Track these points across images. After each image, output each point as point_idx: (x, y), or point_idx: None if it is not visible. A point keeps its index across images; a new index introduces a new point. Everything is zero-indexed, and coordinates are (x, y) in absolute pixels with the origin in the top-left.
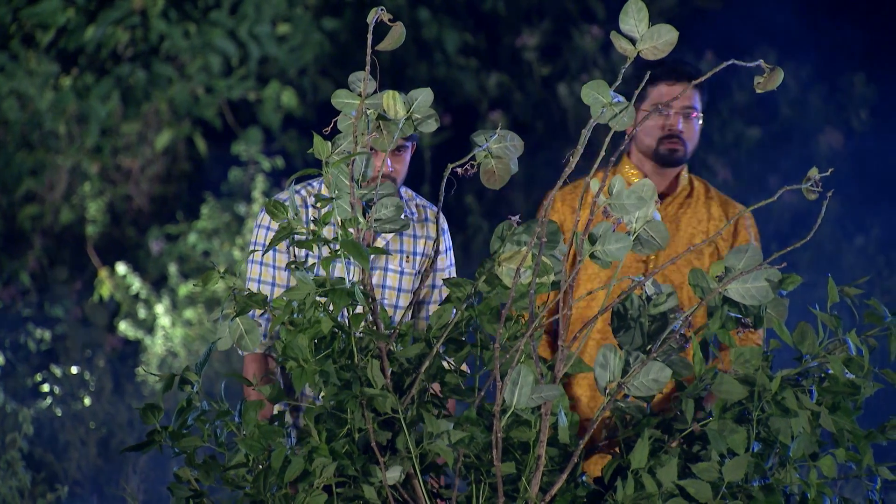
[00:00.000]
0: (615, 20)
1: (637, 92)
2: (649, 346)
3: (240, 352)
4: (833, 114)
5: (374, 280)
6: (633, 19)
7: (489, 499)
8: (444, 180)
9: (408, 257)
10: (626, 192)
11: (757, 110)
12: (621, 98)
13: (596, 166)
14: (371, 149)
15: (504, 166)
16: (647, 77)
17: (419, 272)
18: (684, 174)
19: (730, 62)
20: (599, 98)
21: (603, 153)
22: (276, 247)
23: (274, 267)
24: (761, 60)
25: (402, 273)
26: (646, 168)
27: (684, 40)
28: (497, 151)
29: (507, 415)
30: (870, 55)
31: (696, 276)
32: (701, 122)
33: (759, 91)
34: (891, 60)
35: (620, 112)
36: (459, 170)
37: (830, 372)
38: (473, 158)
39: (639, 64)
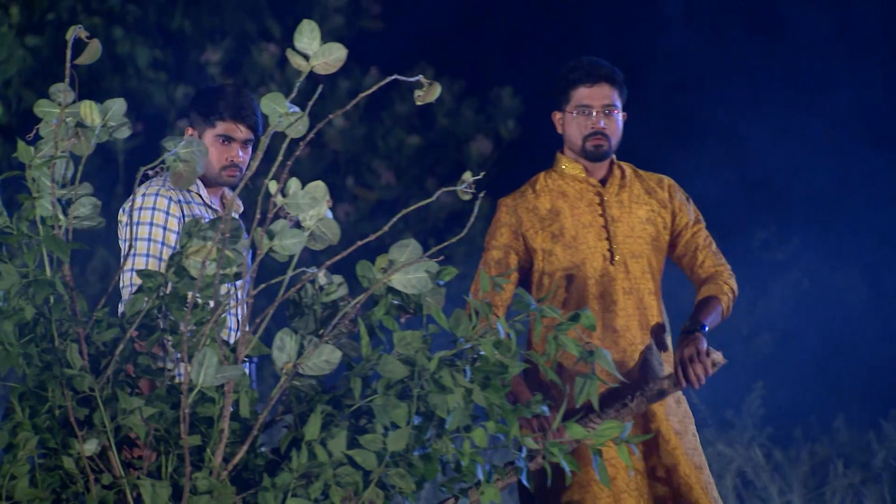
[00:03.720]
0: (290, 39)
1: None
2: (322, 331)
3: None
4: (483, 123)
5: None
6: (307, 38)
7: (177, 468)
8: (137, 181)
9: None
10: (300, 192)
11: (416, 120)
12: (296, 108)
13: (273, 171)
14: (224, 140)
15: (191, 169)
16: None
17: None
18: (615, 161)
19: (392, 77)
20: (277, 108)
21: (280, 158)
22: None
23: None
24: (421, 76)
25: None
26: (581, 163)
27: (352, 57)
28: (184, 155)
29: (194, 392)
30: (515, 70)
31: (363, 268)
32: (623, 116)
33: (418, 103)
34: (533, 75)
35: (296, 121)
36: (150, 171)
37: (482, 353)
38: (163, 162)
39: (561, 69)
